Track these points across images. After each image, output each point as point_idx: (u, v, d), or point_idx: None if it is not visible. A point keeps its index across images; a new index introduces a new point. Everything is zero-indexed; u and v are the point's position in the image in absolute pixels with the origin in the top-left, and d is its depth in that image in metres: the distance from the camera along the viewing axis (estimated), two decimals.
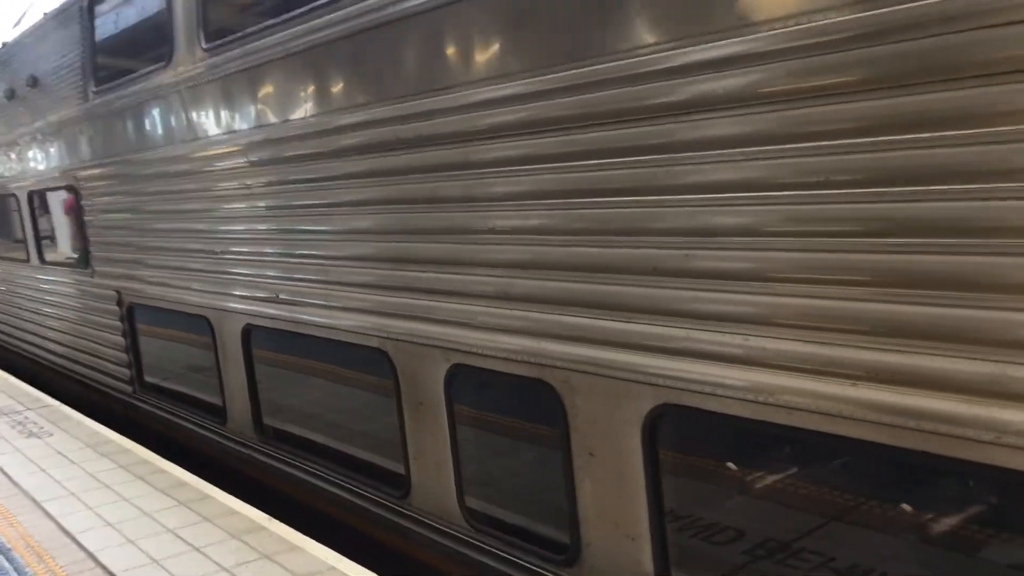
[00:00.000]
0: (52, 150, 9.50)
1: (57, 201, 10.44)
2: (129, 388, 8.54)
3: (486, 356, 4.19)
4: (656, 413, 3.44)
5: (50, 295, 10.28)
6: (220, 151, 6.21)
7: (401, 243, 4.65)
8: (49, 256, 10.57)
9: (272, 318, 5.97)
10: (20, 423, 8.30)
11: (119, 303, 8.41)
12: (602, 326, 3.59)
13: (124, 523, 5.56)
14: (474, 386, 4.50)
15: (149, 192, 7.45)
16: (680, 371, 3.30)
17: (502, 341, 4.07)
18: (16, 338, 11.93)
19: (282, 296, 5.80)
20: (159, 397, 8.12)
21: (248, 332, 6.35)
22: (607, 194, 3.49)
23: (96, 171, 8.37)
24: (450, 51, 4.18)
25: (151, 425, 8.24)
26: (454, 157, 4.19)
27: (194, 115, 6.52)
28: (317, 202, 5.31)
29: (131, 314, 8.30)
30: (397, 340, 4.77)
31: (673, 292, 3.29)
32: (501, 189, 4.00)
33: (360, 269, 5.00)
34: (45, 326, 10.63)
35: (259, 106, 5.73)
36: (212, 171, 6.39)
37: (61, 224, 10.23)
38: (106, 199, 8.30)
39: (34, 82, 9.62)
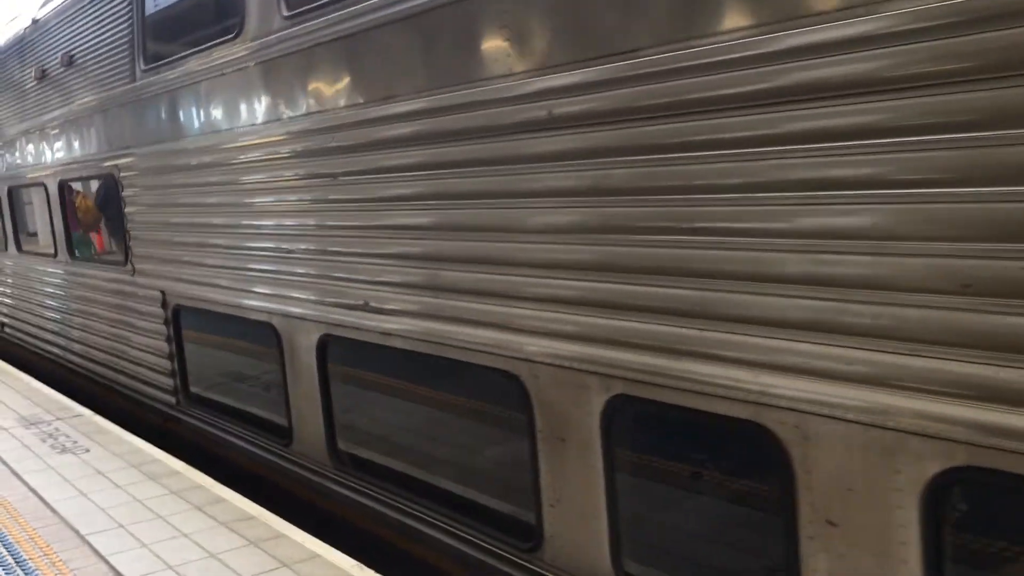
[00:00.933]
0: (88, 136, 8.70)
1: (92, 192, 9.66)
2: (171, 399, 7.72)
3: (665, 387, 3.37)
4: (950, 482, 2.62)
5: (81, 294, 9.47)
6: (302, 135, 5.39)
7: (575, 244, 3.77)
8: (81, 252, 9.78)
9: (358, 329, 5.15)
10: (51, 435, 7.49)
11: (163, 305, 7.60)
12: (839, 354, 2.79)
13: (188, 566, 4.74)
14: (639, 423, 3.68)
15: (205, 183, 6.64)
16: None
17: (698, 370, 3.24)
18: (40, 340, 11.12)
19: (373, 304, 4.98)
20: (206, 410, 7.30)
21: (325, 343, 5.53)
22: None
23: (141, 159, 7.57)
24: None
25: (194, 440, 7.42)
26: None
27: (268, 94, 5.71)
28: (429, 192, 4.48)
29: (177, 317, 7.49)
30: (536, 363, 3.94)
31: None
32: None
33: (492, 275, 4.17)
34: (74, 327, 9.82)
35: (354, 80, 4.92)
36: (289, 159, 5.57)
37: (96, 217, 9.43)
38: (152, 190, 7.49)
39: (69, 61, 8.83)
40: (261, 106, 5.80)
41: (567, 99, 3.62)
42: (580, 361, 3.70)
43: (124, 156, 7.87)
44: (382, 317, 4.91)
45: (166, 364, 7.71)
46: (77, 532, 5.26)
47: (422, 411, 5.24)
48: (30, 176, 10.65)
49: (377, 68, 4.73)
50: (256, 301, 6.18)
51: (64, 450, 7.03)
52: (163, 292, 7.57)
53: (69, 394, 9.43)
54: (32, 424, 7.90)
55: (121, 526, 5.34)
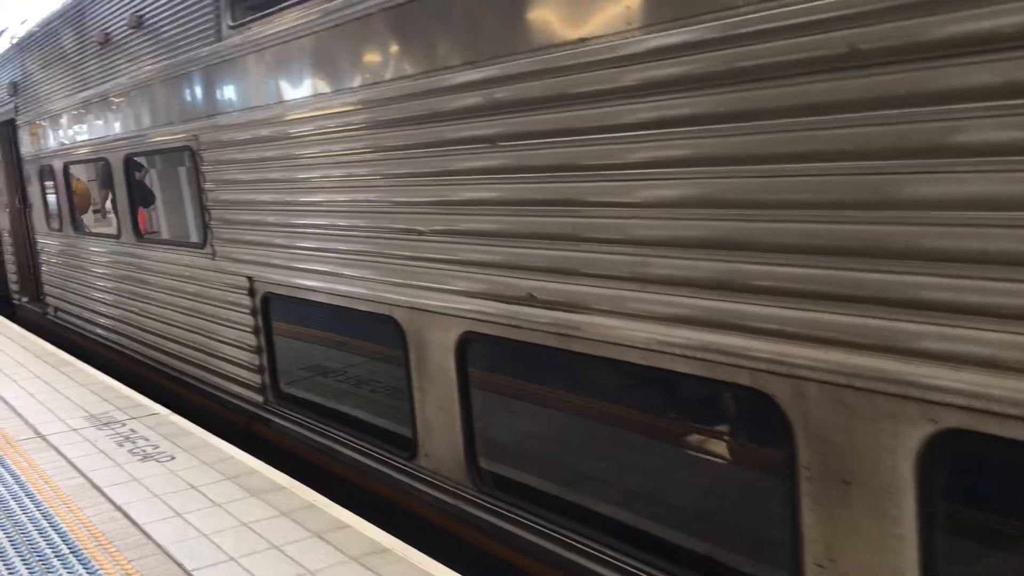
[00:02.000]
0: (160, 105, 7.86)
1: (165, 166, 8.84)
2: (259, 397, 6.90)
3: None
4: None
5: (149, 279, 8.67)
6: (450, 91, 4.47)
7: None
8: (148, 233, 8.99)
9: (516, 326, 4.25)
10: (127, 439, 6.70)
11: (250, 292, 6.76)
12: None
13: None
14: (973, 465, 2.76)
15: (305, 154, 5.77)
16: None
17: None
18: (100, 326, 10.37)
19: (542, 296, 4.08)
20: (300, 411, 6.47)
21: (465, 343, 4.65)
22: None
23: (225, 129, 6.71)
24: None
25: (285, 444, 6.60)
26: None
27: (396, 46, 4.81)
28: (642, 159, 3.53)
29: (266, 306, 6.65)
30: (802, 379, 3.02)
31: None
32: None
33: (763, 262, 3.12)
34: (140, 315, 9.04)
35: (527, 22, 3.99)
36: (421, 123, 4.67)
37: (169, 194, 8.63)
38: (238, 164, 6.64)
39: (138, 23, 7.99)
40: (385, 62, 4.89)
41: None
42: (886, 381, 2.78)
43: (204, 126, 7.03)
44: (556, 314, 4.01)
45: (253, 359, 6.89)
46: (182, 567, 4.43)
47: (599, 429, 4.35)
48: (88, 151, 9.86)
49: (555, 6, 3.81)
50: (371, 290, 5.31)
51: (146, 457, 6.23)
52: (250, 279, 6.73)
53: (134, 387, 8.67)
54: (104, 424, 7.12)
55: (232, 559, 4.51)
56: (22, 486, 5.74)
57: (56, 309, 12.26)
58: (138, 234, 8.91)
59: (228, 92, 6.63)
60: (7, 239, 14.24)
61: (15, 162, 13.70)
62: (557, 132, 3.85)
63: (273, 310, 6.63)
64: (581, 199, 3.78)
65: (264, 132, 6.16)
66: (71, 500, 5.46)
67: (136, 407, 7.62)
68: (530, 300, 4.14)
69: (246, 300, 6.82)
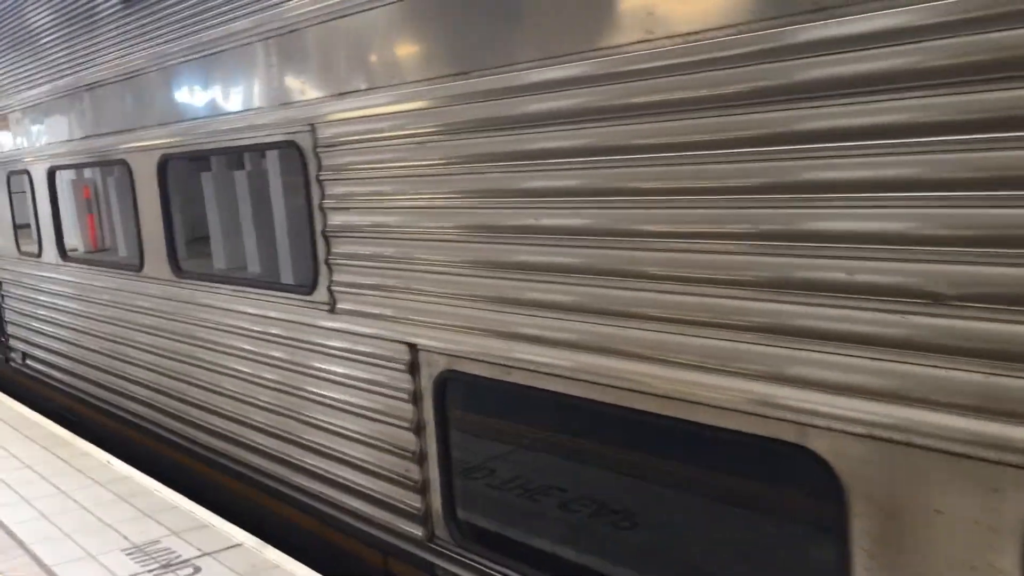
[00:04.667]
0: (235, 81, 5.39)
1: (225, 170, 6.33)
2: (416, 529, 4.46)
3: None
4: None
5: (190, 329, 6.13)
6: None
7: None
8: (198, 265, 6.47)
9: None
10: None
11: (411, 368, 4.34)
12: None
13: None
14: None
15: (570, 146, 3.42)
16: None
17: None
18: (98, 385, 7.70)
19: None
20: (506, 560, 4.07)
21: None
22: None
23: (373, 113, 4.30)
24: None
25: None
26: None
27: None
28: None
29: (443, 392, 4.24)
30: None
31: None
32: None
33: None
34: (174, 377, 6.47)
35: None
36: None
37: (231, 211, 6.13)
38: (397, 167, 4.23)
39: None
40: None
41: None
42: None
43: (328, 111, 4.60)
44: None
45: (408, 470, 4.45)
46: None
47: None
48: (92, 151, 7.26)
49: None
50: (764, 392, 2.97)
51: None
52: (413, 346, 4.31)
53: (156, 475, 6.15)
54: (163, 567, 4.60)
55: None
56: None
57: (24, 356, 9.50)
58: (176, 267, 6.35)
59: (382, 55, 4.23)
60: None
61: None
62: None
63: (458, 398, 4.23)
64: None
65: (467, 115, 3.78)
66: None
67: (200, 530, 5.10)
68: None
69: (401, 379, 4.39)
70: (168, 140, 6.12)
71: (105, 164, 7.30)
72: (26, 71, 8.25)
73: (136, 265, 6.83)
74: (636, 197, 3.19)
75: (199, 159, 6.29)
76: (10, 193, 9.12)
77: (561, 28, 3.38)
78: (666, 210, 3.10)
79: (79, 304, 7.96)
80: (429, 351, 4.23)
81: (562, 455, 4.03)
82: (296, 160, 4.91)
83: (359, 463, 4.79)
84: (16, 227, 9.18)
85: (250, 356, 5.61)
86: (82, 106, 7.33)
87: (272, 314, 5.35)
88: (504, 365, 3.80)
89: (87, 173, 8.64)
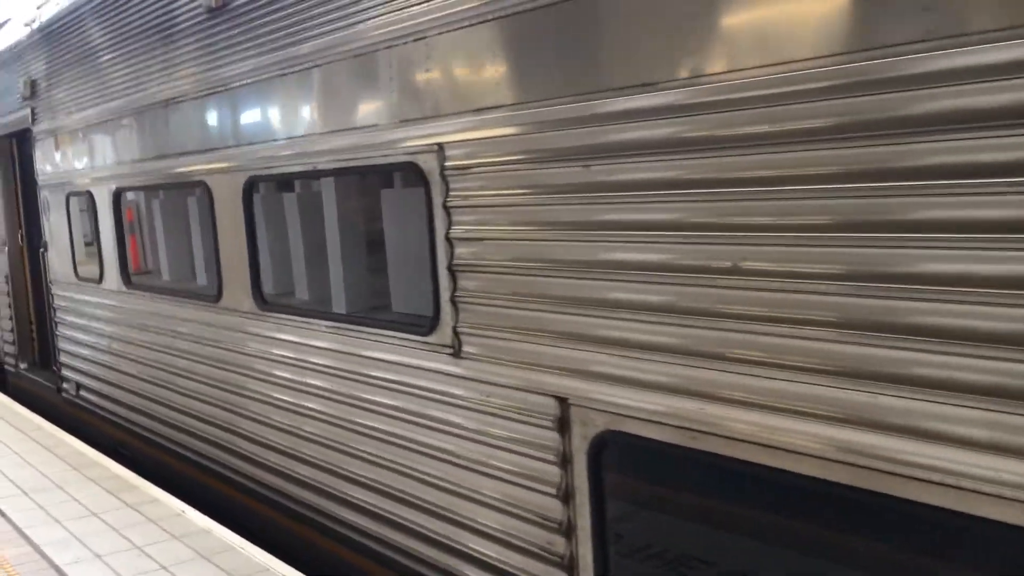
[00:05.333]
0: (346, 98, 4.87)
1: (314, 194, 5.81)
2: None
3: None
4: None
5: (286, 372, 5.57)
6: None
7: None
8: (279, 297, 5.94)
9: None
10: None
11: (560, 426, 3.74)
12: None
13: None
14: None
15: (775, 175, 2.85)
16: None
17: None
18: (169, 425, 7.17)
19: None
20: None
21: None
22: None
23: (519, 131, 3.74)
24: None
25: None
26: None
27: None
28: None
29: (599, 456, 3.63)
30: None
31: None
32: None
33: None
34: (277, 427, 5.91)
35: None
36: None
37: (318, 237, 5.59)
38: (551, 193, 3.66)
39: None
40: None
41: None
42: None
43: (460, 126, 4.05)
44: None
45: (553, 543, 3.84)
46: None
47: None
48: (165, 173, 6.78)
49: None
50: None
51: None
52: (563, 400, 3.72)
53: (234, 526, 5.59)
54: None
55: None
56: None
57: (78, 387, 9.01)
58: (260, 299, 5.82)
59: (536, 63, 3.68)
60: (1, 287, 10.95)
61: (19, 187, 10.51)
62: None
63: (620, 465, 3.62)
64: None
65: (655, 131, 3.21)
66: None
67: None
68: None
69: (546, 438, 3.80)
70: (256, 161, 5.61)
71: (180, 186, 6.80)
72: (90, 88, 7.81)
73: (212, 295, 6.31)
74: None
75: (288, 180, 5.76)
76: (69, 216, 8.67)
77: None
78: None
79: (143, 334, 7.45)
80: (584, 407, 3.64)
81: (758, 539, 3.41)
82: (417, 182, 4.37)
83: (484, 529, 4.19)
84: (74, 251, 8.72)
85: (346, 401, 5.04)
86: (154, 124, 6.86)
87: (376, 355, 4.79)
88: (690, 429, 3.20)
89: (129, 195, 8.23)
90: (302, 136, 5.18)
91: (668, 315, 3.23)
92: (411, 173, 4.40)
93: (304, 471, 5.48)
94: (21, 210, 10.47)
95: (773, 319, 2.91)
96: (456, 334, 4.23)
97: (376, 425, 4.83)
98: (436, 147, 4.18)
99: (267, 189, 5.97)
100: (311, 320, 5.36)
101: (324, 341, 5.21)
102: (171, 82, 6.47)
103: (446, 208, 4.17)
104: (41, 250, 9.48)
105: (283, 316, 5.63)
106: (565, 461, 3.75)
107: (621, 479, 3.64)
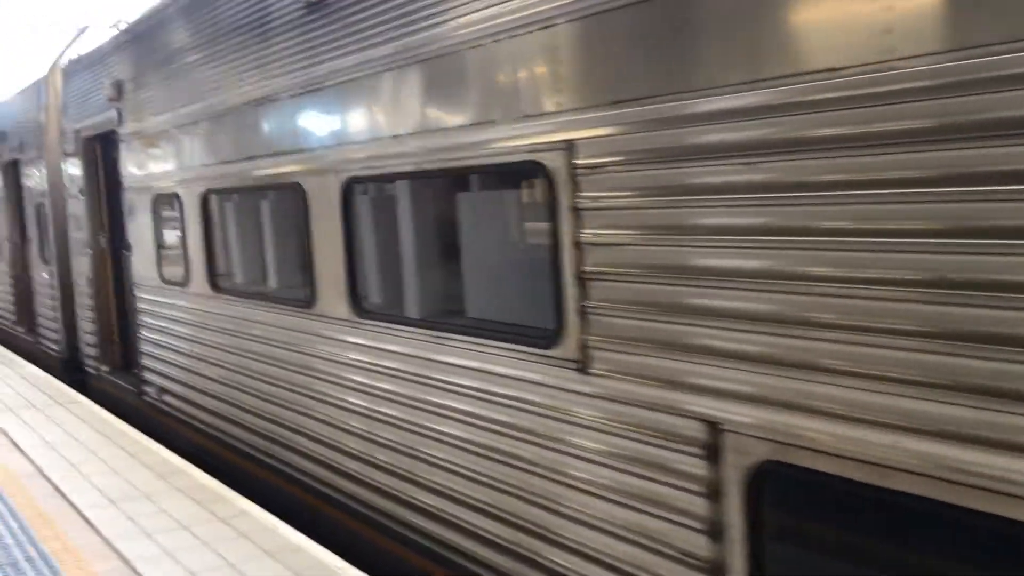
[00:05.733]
0: (458, 93, 4.56)
1: (423, 195, 5.52)
2: None
3: None
4: None
5: (388, 384, 5.28)
6: None
7: None
8: (381, 305, 5.66)
9: None
10: None
11: (708, 453, 3.36)
12: None
13: None
14: None
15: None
16: None
17: None
18: (267, 438, 6.96)
19: None
20: None
21: None
22: None
23: (675, 126, 3.36)
24: None
25: None
26: None
27: None
28: None
29: (759, 487, 3.24)
30: None
31: None
32: None
33: None
34: (378, 441, 5.64)
35: None
36: None
37: (428, 241, 5.31)
38: (689, 189, 3.29)
39: None
40: None
41: None
42: None
43: (596, 119, 3.69)
44: None
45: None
46: None
47: None
48: (257, 174, 6.57)
49: None
50: None
51: None
52: (714, 425, 3.34)
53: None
54: None
55: None
56: None
57: (161, 391, 8.89)
58: (357, 306, 5.54)
59: (678, 49, 3.31)
60: (84, 289, 10.95)
61: (102, 188, 10.48)
62: None
63: (779, 498, 3.22)
64: None
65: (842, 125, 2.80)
66: None
67: None
68: None
69: (691, 465, 3.42)
70: (356, 162, 5.33)
71: (273, 188, 6.58)
72: (179, 88, 7.67)
73: (306, 301, 6.07)
74: None
75: (396, 182, 5.47)
76: (154, 218, 8.56)
77: None
78: None
79: (231, 340, 7.26)
80: (741, 433, 3.25)
81: None
82: (541, 183, 4.03)
83: (609, 560, 3.82)
84: (159, 254, 8.61)
85: (453, 415, 4.73)
86: (246, 124, 6.66)
87: (485, 367, 4.46)
88: (883, 466, 2.78)
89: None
90: (409, 134, 4.88)
91: (855, 334, 2.83)
92: (535, 173, 4.06)
93: (419, 493, 5.14)
94: (104, 213, 10.44)
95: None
96: (584, 348, 3.87)
97: (481, 441, 4.51)
98: (564, 144, 3.83)
99: (367, 191, 5.70)
100: (413, 328, 5.06)
101: (426, 351, 4.90)
102: (264, 80, 6.26)
103: (575, 210, 3.82)
104: (125, 253, 9.40)
105: (381, 324, 5.35)
106: (715, 493, 3.37)
107: (786, 517, 3.24)
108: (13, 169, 13.79)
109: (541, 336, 4.12)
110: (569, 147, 3.81)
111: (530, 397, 4.20)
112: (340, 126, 5.52)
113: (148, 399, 9.24)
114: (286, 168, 6.11)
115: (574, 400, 3.96)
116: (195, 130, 7.48)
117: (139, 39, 8.54)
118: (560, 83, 3.87)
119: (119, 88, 9.07)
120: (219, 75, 6.93)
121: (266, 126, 6.37)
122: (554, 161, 3.89)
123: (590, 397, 3.87)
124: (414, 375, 5.01)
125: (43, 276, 12.61)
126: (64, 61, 11.17)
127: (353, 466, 5.69)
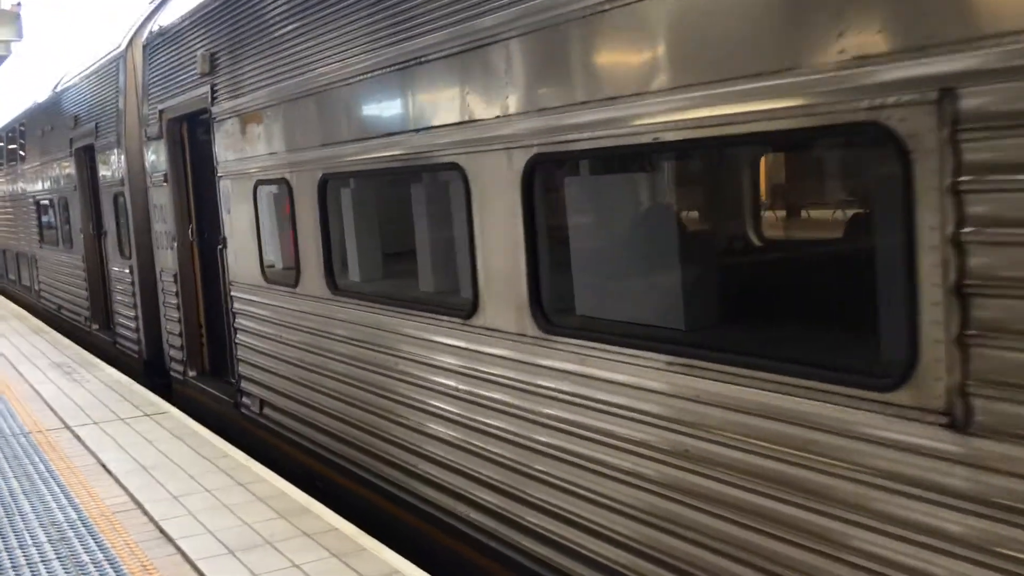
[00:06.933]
0: (723, 34, 3.35)
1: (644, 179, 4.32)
2: None
3: None
4: None
5: (562, 414, 4.10)
6: None
7: None
8: (584, 320, 4.48)
9: None
10: None
11: None
12: None
13: None
14: None
15: None
16: None
17: None
18: (420, 481, 5.84)
19: None
20: None
21: None
22: None
23: None
24: None
25: None
26: None
27: None
28: None
29: None
30: None
31: None
32: None
33: None
34: (536, 476, 4.48)
35: None
36: None
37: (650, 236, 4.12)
38: None
39: None
40: None
41: None
42: None
43: (977, 58, 2.46)
44: None
45: None
46: None
47: None
48: (397, 157, 5.43)
49: None
50: None
51: None
52: None
53: None
54: None
55: None
56: None
57: (262, 404, 7.85)
58: (541, 317, 4.37)
59: None
60: (169, 287, 9.99)
61: (188, 175, 9.50)
62: None
63: None
64: None
65: None
66: None
67: None
68: None
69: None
70: (546, 133, 4.15)
71: (413, 171, 5.44)
72: (289, 56, 6.56)
73: (462, 310, 4.92)
74: None
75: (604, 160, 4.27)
76: (256, 208, 7.51)
77: None
78: None
79: (352, 350, 6.16)
80: None
81: None
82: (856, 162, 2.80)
83: None
84: (262, 249, 7.56)
85: (725, 476, 3.52)
86: (380, 95, 5.53)
87: (794, 412, 3.24)
88: None
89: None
90: (632, 96, 3.67)
91: None
92: (865, 139, 2.83)
93: (589, 539, 3.99)
94: (192, 202, 9.45)
95: None
96: (962, 395, 2.64)
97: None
98: (937, 93, 2.59)
99: (558, 172, 4.52)
100: (624, 349, 3.86)
101: (672, 385, 3.69)
102: (410, 39, 5.10)
103: (955, 192, 2.58)
104: (220, 247, 8.38)
105: (570, 340, 4.17)
106: None
107: None
108: (87, 155, 12.93)
109: (881, 375, 2.89)
110: (945, 96, 2.58)
111: (860, 458, 2.96)
112: (524, 90, 4.33)
113: (246, 412, 8.21)
114: (437, 145, 4.96)
115: (938, 467, 2.72)
116: (311, 104, 6.37)
117: (240, 2, 7.46)
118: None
119: (212, 61, 8.03)
120: (345, 36, 5.79)
121: (410, 96, 5.23)
122: (911, 119, 2.65)
123: (970, 466, 2.64)
124: (658, 418, 3.77)
125: (122, 271, 11.73)
126: (144, 34, 10.19)
127: (532, 518, 4.53)
